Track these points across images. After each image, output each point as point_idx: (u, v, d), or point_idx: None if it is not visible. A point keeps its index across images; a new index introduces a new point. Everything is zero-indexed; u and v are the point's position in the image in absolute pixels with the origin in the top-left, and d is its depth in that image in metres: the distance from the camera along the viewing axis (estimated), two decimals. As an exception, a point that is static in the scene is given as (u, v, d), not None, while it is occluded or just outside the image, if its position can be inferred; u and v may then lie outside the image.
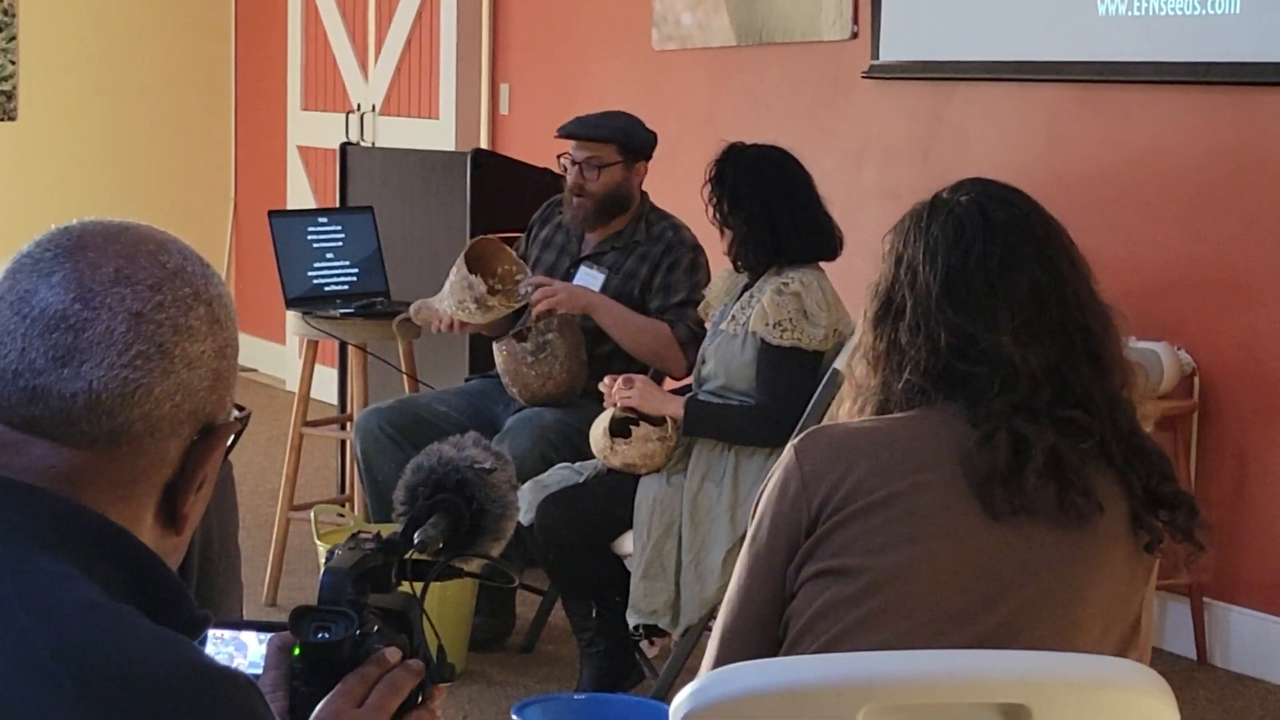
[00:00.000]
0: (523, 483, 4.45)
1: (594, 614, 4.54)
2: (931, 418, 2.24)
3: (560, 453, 4.74)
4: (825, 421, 2.43)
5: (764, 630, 2.24)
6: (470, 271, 4.88)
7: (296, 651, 1.61)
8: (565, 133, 5.03)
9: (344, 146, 6.89)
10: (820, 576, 2.19)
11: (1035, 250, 2.27)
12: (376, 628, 1.63)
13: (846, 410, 2.34)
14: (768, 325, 4.33)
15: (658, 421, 4.44)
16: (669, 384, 4.91)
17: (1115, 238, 5.23)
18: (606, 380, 4.56)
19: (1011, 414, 2.20)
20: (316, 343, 5.63)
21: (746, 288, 4.48)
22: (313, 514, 5.04)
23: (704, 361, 4.52)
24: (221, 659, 1.77)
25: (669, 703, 2.10)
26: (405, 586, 1.73)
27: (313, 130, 8.84)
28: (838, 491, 2.20)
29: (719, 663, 2.24)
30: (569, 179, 5.02)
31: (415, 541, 1.73)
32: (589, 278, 5.01)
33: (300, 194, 8.93)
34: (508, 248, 5.03)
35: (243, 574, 2.63)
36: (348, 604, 1.62)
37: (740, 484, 4.35)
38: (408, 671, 1.63)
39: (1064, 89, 5.45)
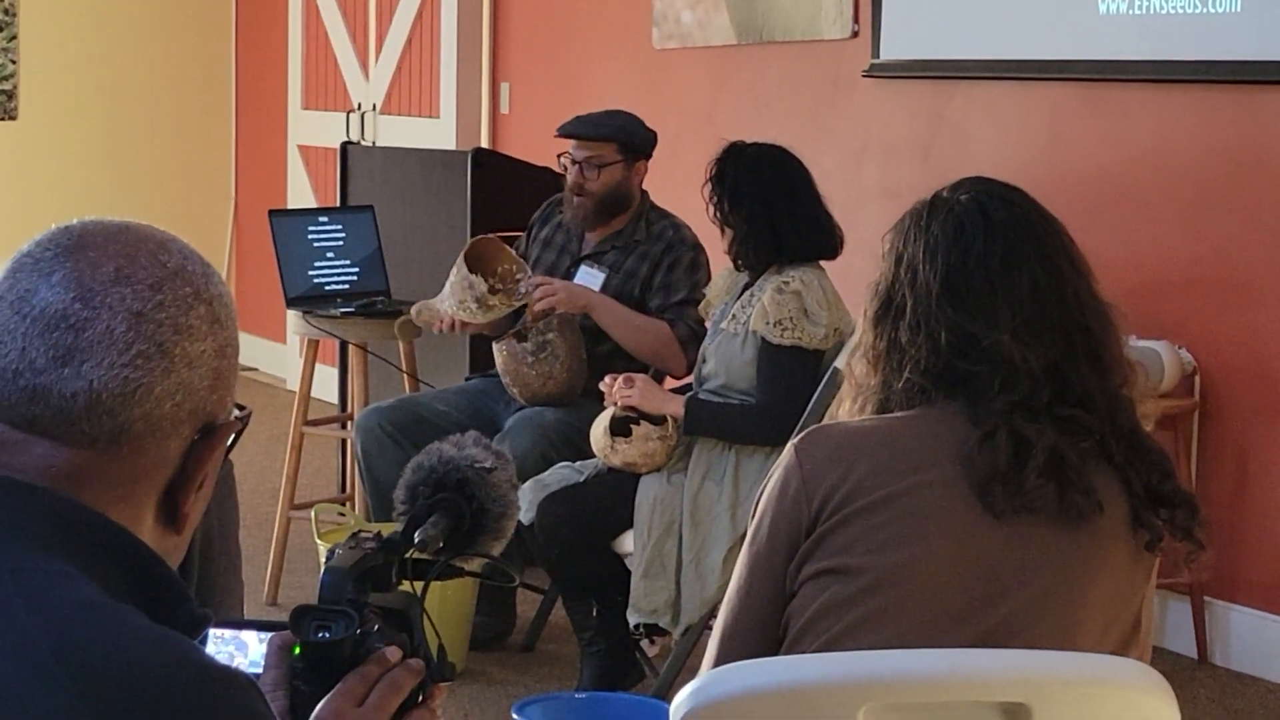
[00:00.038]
0: (523, 482, 4.45)
1: (594, 613, 4.54)
2: (932, 417, 2.24)
3: (561, 452, 4.74)
4: (826, 421, 2.43)
5: (764, 629, 2.24)
6: (470, 271, 4.88)
7: (297, 651, 1.61)
8: (565, 132, 5.03)
9: (344, 146, 6.89)
10: (820, 576, 2.19)
11: (1035, 249, 2.27)
12: (377, 627, 1.63)
13: (847, 409, 2.34)
14: (768, 324, 4.33)
15: (658, 420, 4.44)
16: (669, 383, 4.91)
17: (1116, 236, 5.23)
18: (607, 379, 4.56)
19: (1012, 413, 2.20)
20: (317, 342, 5.64)
21: (747, 286, 4.48)
22: (313, 513, 5.04)
23: (704, 360, 4.52)
24: (222, 658, 1.77)
25: (669, 702, 2.10)
26: (406, 585, 1.73)
27: (313, 129, 8.84)
28: (838, 491, 2.20)
29: (719, 662, 2.24)
30: (569, 178, 5.02)
31: (416, 540, 1.73)
32: (589, 277, 5.01)
33: (301, 193, 8.93)
34: (507, 247, 5.03)
35: (243, 573, 2.63)
36: (348, 603, 1.62)
37: (741, 483, 4.35)
38: (408, 671, 1.63)
39: (1065, 88, 5.45)
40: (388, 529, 1.81)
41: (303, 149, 8.98)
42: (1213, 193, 5.09)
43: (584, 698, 4.30)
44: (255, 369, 9.19)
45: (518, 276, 4.94)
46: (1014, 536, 2.18)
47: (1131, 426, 2.26)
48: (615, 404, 4.49)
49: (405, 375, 5.58)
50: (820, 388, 4.28)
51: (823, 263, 4.47)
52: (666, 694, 4.29)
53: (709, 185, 4.45)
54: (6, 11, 8.94)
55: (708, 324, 4.66)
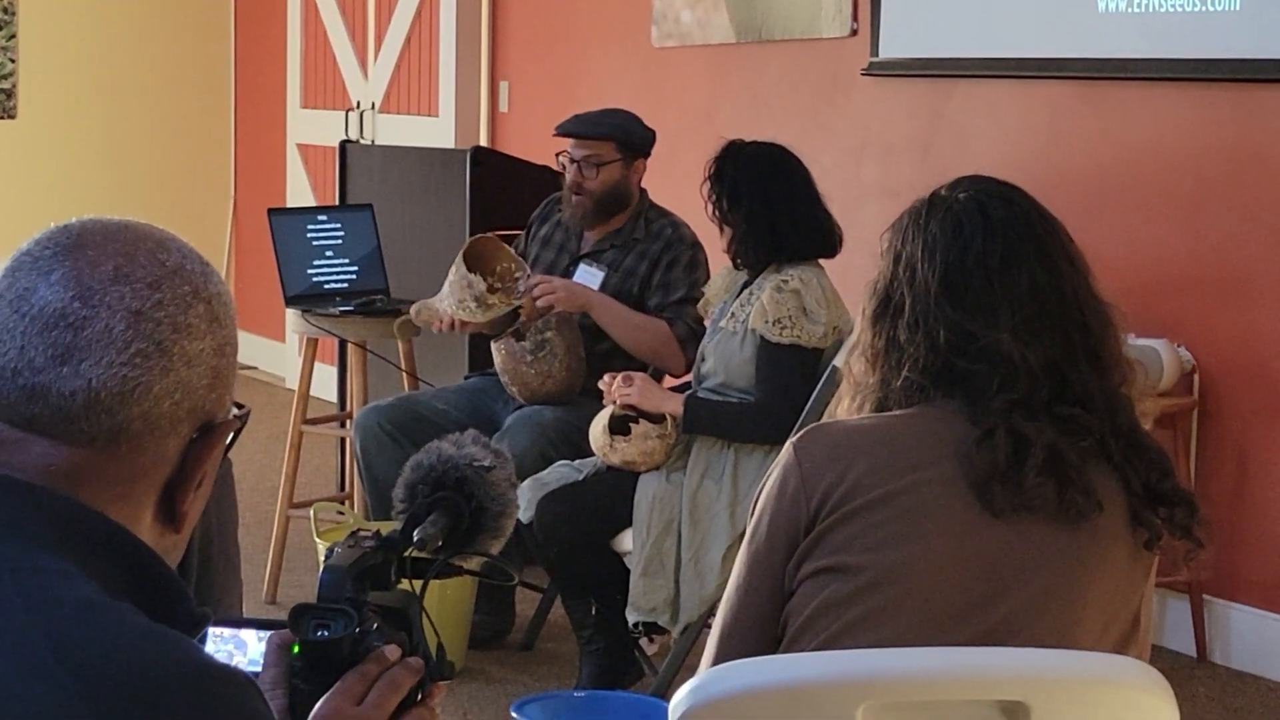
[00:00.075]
0: (522, 480, 4.45)
1: (593, 611, 4.54)
2: (930, 415, 2.24)
3: (560, 450, 4.74)
4: (824, 419, 2.44)
5: (763, 628, 2.24)
6: (469, 270, 4.88)
7: (296, 649, 1.61)
8: (564, 131, 5.03)
9: (343, 144, 6.89)
10: (819, 574, 2.19)
11: (1034, 248, 2.27)
12: (376, 625, 1.63)
13: (845, 408, 2.34)
14: (767, 322, 4.33)
15: (657, 419, 4.44)
16: (668, 381, 4.92)
17: (1115, 235, 5.23)
18: (606, 378, 4.56)
19: (1010, 412, 2.20)
20: (316, 340, 5.64)
21: (746, 285, 4.48)
22: (312, 512, 5.04)
23: (703, 359, 4.52)
24: (221, 657, 1.77)
25: (668, 700, 2.10)
26: (405, 584, 1.73)
27: (312, 128, 8.84)
28: (837, 489, 2.20)
29: (718, 660, 2.24)
30: (568, 177, 5.02)
31: (415, 539, 1.73)
32: (588, 275, 5.01)
33: (300, 192, 8.93)
34: (506, 246, 5.03)
35: (242, 572, 2.63)
36: (347, 602, 1.62)
37: (740, 481, 4.35)
38: (407, 669, 1.63)
39: (1064, 86, 5.45)
40: (387, 527, 1.81)
41: (302, 148, 8.98)
42: (1212, 190, 5.09)
43: (583, 696, 4.31)
44: (254, 368, 9.19)
45: (517, 275, 4.94)
46: (1013, 535, 2.18)
47: (1130, 425, 2.26)
48: (614, 402, 4.48)
49: (404, 374, 5.58)
50: (819, 386, 4.28)
51: (822, 261, 4.48)
52: (665, 692, 4.29)
53: (708, 184, 4.46)
54: (6, 10, 8.94)
55: (706, 322, 4.66)
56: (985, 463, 2.18)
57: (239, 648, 1.80)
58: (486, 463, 1.79)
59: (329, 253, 5.58)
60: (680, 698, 2.04)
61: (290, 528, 5.51)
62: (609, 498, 4.45)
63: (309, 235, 5.57)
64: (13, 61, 8.99)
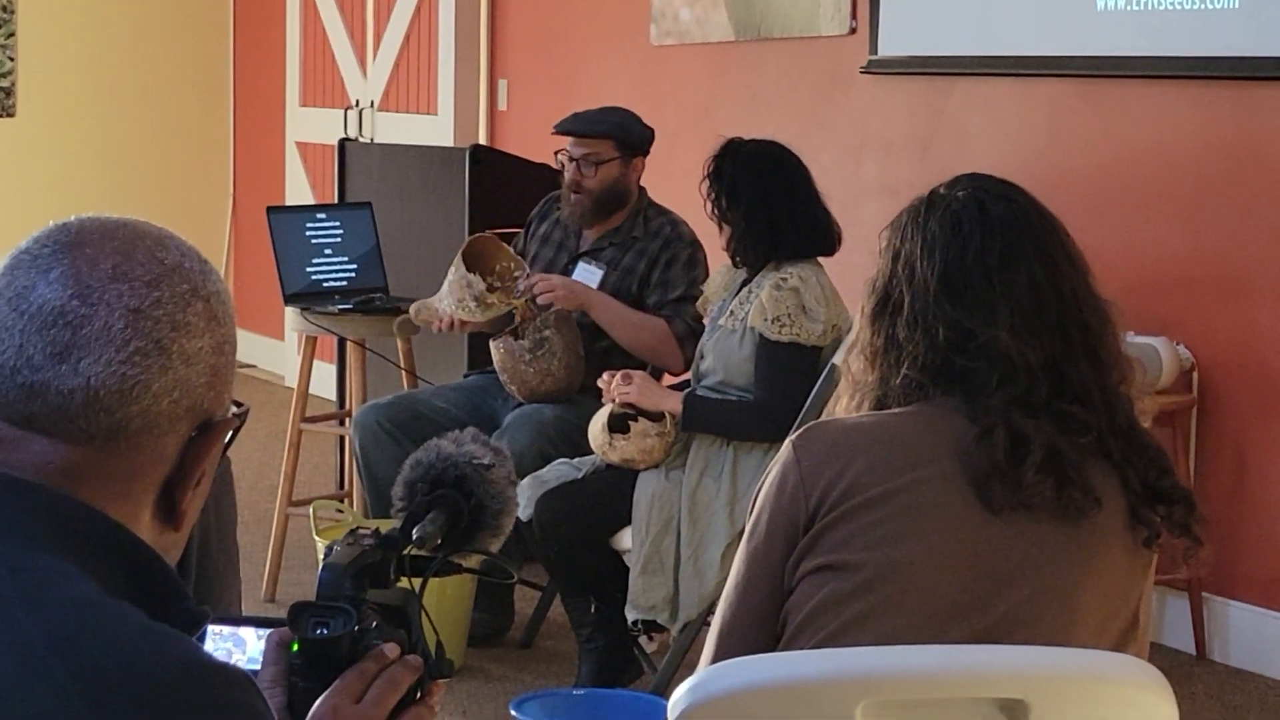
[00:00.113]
0: (521, 478, 4.45)
1: (593, 609, 4.54)
2: (929, 413, 2.24)
3: (559, 448, 4.74)
4: (823, 417, 2.44)
5: (762, 625, 2.24)
6: (468, 269, 4.88)
7: (295, 647, 1.61)
8: (562, 129, 5.03)
9: (342, 142, 6.89)
10: (818, 572, 2.19)
11: (1033, 245, 2.27)
12: (375, 623, 1.63)
13: (844, 406, 2.34)
14: (766, 320, 4.33)
15: (656, 417, 4.44)
16: (667, 379, 4.92)
17: (1114, 233, 5.23)
18: (605, 376, 4.56)
19: (1009, 409, 2.20)
20: (315, 339, 5.63)
21: (745, 283, 4.48)
22: (311, 510, 5.04)
23: (702, 357, 4.52)
24: (220, 655, 1.77)
25: (668, 698, 2.10)
26: (404, 582, 1.73)
27: (311, 126, 8.84)
28: (836, 487, 2.20)
29: (717, 658, 2.24)
30: (566, 175, 5.02)
31: (414, 537, 1.73)
32: (587, 274, 5.01)
33: (299, 190, 8.92)
34: (505, 244, 5.03)
35: (241, 570, 2.63)
36: (346, 600, 1.62)
37: (739, 479, 4.35)
38: (406, 667, 1.63)
39: (1063, 84, 5.45)
40: (386, 525, 1.80)
41: (301, 146, 8.97)
42: (1211, 188, 5.09)
43: (582, 694, 4.31)
44: (253, 366, 9.19)
45: (516, 274, 4.94)
46: (1012, 533, 2.18)
47: (1129, 423, 2.26)
48: (613, 400, 4.49)
49: (403, 372, 5.58)
50: (818, 384, 4.28)
51: (821, 259, 4.48)
52: (665, 690, 4.29)
53: (707, 182, 4.46)
54: (5, 8, 8.93)
55: (705, 321, 4.66)
56: (984, 460, 2.18)
57: (238, 646, 1.80)
58: (486, 461, 1.79)
59: (328, 251, 5.58)
60: (679, 696, 2.04)
61: (289, 526, 5.51)
62: (608, 496, 4.45)
63: (308, 233, 5.57)
64: (12, 60, 8.98)
